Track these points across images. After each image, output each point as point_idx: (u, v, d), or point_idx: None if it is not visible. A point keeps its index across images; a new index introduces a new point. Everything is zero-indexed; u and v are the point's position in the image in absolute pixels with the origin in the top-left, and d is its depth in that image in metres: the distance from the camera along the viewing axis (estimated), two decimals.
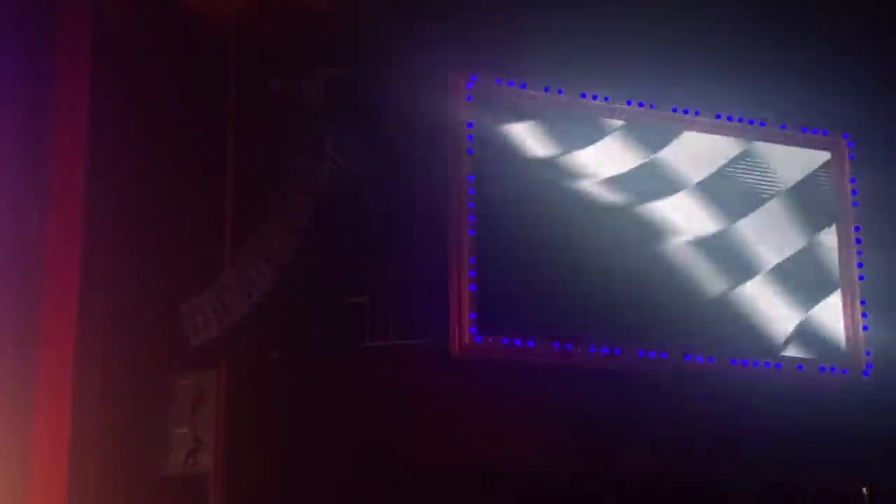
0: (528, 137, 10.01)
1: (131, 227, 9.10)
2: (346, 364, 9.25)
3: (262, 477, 8.90)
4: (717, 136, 10.51)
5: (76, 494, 8.39)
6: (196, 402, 8.94)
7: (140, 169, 9.21)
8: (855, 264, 10.55)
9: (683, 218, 10.24)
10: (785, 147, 10.66)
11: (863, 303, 10.46)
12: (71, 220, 8.82)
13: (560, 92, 10.11)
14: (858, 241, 10.57)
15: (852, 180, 10.68)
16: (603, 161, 10.15)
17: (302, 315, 9.17)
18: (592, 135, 10.17)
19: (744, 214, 10.41)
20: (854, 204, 10.64)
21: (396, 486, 9.13)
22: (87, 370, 8.62)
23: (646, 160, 10.26)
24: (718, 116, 10.49)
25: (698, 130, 10.47)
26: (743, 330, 10.17)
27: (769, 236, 10.44)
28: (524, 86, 10.06)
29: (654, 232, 10.13)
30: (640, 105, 10.31)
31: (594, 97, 10.21)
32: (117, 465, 8.68)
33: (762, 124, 10.60)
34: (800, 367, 10.23)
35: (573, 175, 10.03)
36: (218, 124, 9.48)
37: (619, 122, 10.25)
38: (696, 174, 10.38)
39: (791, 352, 10.26)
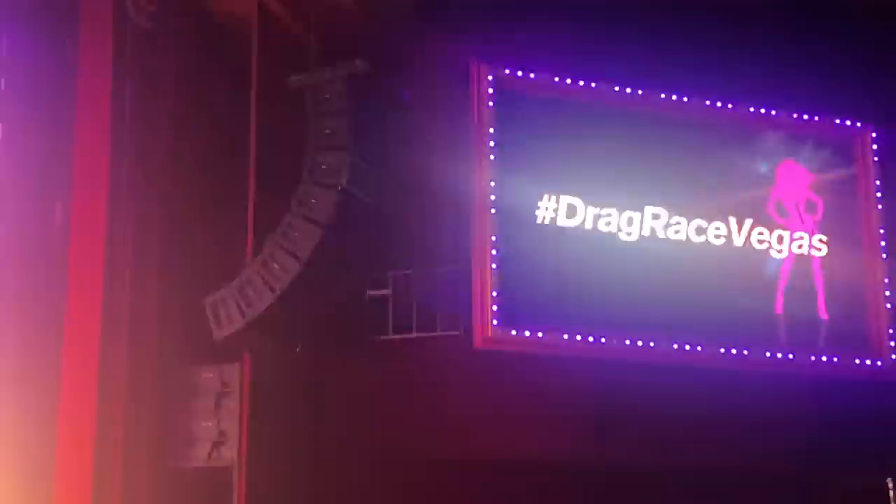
0: (552, 129, 10.00)
1: (154, 222, 9.13)
2: (369, 357, 9.28)
3: (286, 469, 8.93)
4: (742, 128, 10.49)
5: (101, 487, 8.44)
6: (220, 396, 8.97)
7: (163, 164, 9.25)
8: (880, 254, 10.50)
9: (712, 210, 10.21)
10: (810, 137, 10.62)
11: (888, 293, 10.41)
12: (94, 216, 8.87)
13: (580, 81, 10.09)
14: (882, 230, 10.52)
15: (876, 171, 10.62)
16: (629, 153, 10.13)
17: (324, 308, 9.20)
18: (617, 126, 10.15)
19: (770, 205, 10.39)
20: (878, 194, 10.58)
21: (419, 477, 9.16)
22: (111, 364, 8.66)
23: (673, 150, 10.24)
24: (747, 107, 10.47)
25: (723, 121, 10.45)
26: (772, 322, 10.16)
27: (797, 228, 10.41)
28: (546, 77, 10.06)
29: (682, 223, 10.11)
30: (662, 95, 10.28)
31: (616, 86, 10.20)
32: (142, 459, 8.71)
33: (790, 115, 10.57)
34: (828, 359, 10.19)
35: (598, 169, 10.02)
36: (240, 118, 9.51)
37: (645, 112, 10.25)
38: (725, 167, 10.36)
39: (819, 343, 10.23)
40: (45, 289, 8.59)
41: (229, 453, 8.87)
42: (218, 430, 8.91)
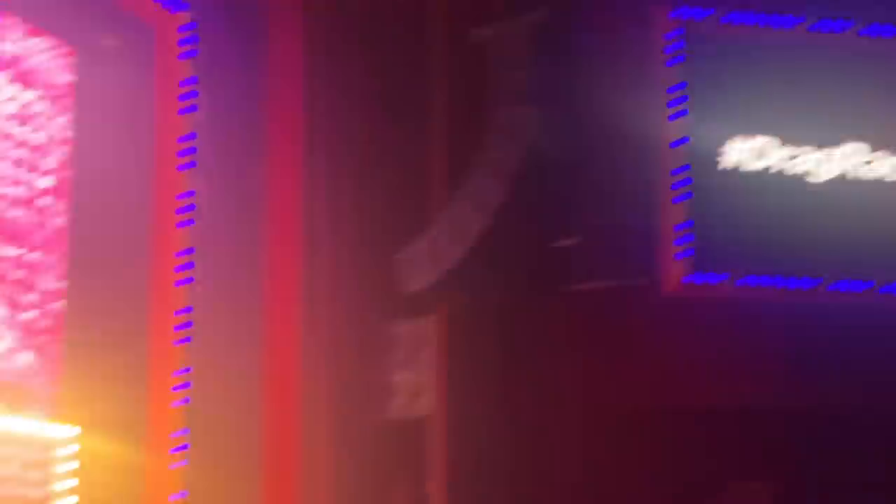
0: (741, 70, 9.82)
1: (348, 182, 9.41)
2: (559, 308, 9.38)
3: (483, 418, 9.13)
4: None
5: (309, 439, 8.86)
6: (416, 348, 9.24)
7: (353, 123, 9.50)
8: None
9: None
10: None
11: None
12: (290, 177, 9.21)
13: (768, 20, 9.86)
14: None
15: None
16: (822, 91, 9.87)
17: (513, 259, 9.33)
18: (809, 64, 9.89)
19: None
20: None
21: (611, 426, 9.25)
22: (312, 321, 9.05)
23: (872, 87, 9.92)
24: None
25: None
26: None
27: None
28: (734, 16, 9.87)
29: (879, 162, 9.83)
30: (859, 30, 9.96)
31: (806, 24, 9.93)
32: (345, 411, 9.09)
33: None
34: None
35: (790, 109, 9.80)
36: (426, 74, 9.65)
37: (838, 49, 9.96)
38: None
39: None
40: (245, 253, 9.00)
41: (427, 404, 9.15)
42: (415, 382, 9.19)
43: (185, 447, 8.68)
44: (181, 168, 8.91)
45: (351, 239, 9.33)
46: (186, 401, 8.70)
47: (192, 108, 8.99)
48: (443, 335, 9.21)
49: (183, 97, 8.99)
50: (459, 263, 9.16)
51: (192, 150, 8.95)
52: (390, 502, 9.17)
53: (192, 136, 8.96)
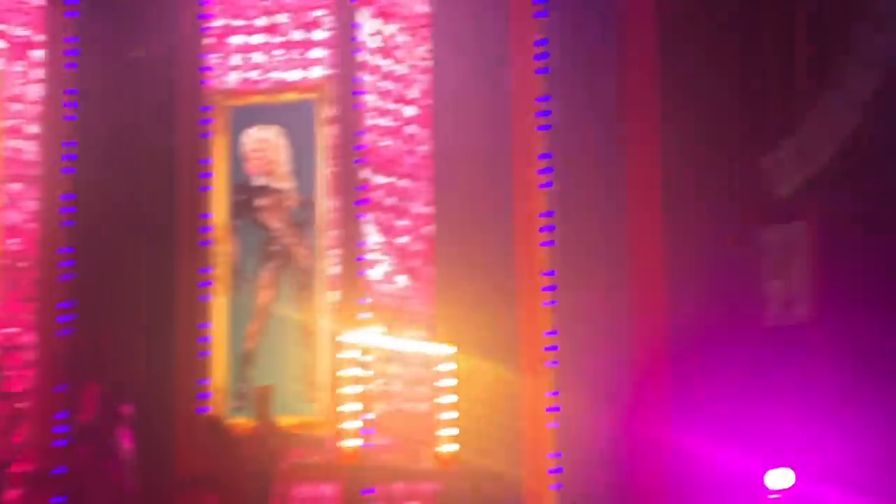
0: None
1: (708, 80, 9.07)
2: None
3: (860, 323, 8.66)
4: None
5: (678, 350, 8.78)
6: (786, 256, 8.88)
7: (711, 16, 9.14)
8: None
9: None
10: None
11: None
12: (647, 79, 9.01)
13: None
14: None
15: None
16: None
17: (892, 157, 8.72)
18: None
19: None
20: None
21: None
22: (677, 229, 8.88)
23: None
24: None
25: None
26: None
27: None
28: None
29: None
30: None
31: None
32: (714, 317, 8.89)
33: None
34: None
35: None
36: None
37: None
38: None
39: None
40: (604, 158, 8.96)
41: (801, 313, 8.80)
42: (788, 289, 8.85)
43: (555, 363, 8.85)
44: (537, 74, 8.99)
45: (714, 141, 9.02)
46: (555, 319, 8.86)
47: (546, 31, 9.02)
48: (815, 241, 8.77)
49: (535, 17, 9.04)
50: (831, 164, 8.67)
51: (547, 70, 9.00)
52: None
53: (545, 56, 9.01)
